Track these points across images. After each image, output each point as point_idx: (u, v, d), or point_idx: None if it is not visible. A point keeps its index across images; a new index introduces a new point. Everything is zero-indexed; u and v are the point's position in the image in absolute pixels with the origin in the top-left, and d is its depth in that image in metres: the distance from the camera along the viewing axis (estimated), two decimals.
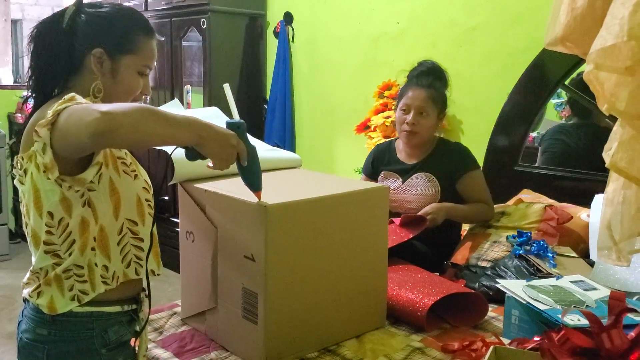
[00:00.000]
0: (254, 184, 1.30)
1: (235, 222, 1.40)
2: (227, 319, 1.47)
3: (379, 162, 2.35)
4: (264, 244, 1.31)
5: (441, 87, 2.24)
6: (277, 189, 1.47)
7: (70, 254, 1.20)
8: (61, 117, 1.07)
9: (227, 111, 1.78)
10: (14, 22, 6.88)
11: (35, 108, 1.27)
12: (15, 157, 1.25)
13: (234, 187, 1.43)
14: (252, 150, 1.24)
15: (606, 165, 1.36)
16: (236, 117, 1.30)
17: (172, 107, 1.71)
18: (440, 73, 2.27)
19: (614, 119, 1.38)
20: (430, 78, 2.22)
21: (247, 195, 1.34)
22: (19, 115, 4.86)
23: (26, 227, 1.25)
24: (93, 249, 1.22)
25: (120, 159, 1.27)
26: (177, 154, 1.49)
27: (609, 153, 1.36)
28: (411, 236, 1.95)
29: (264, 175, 1.32)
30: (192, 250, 1.57)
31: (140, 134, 1.04)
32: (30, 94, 1.31)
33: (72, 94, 1.12)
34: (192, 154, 1.17)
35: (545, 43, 1.52)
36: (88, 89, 1.25)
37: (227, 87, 1.38)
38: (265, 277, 1.33)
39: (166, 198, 4.15)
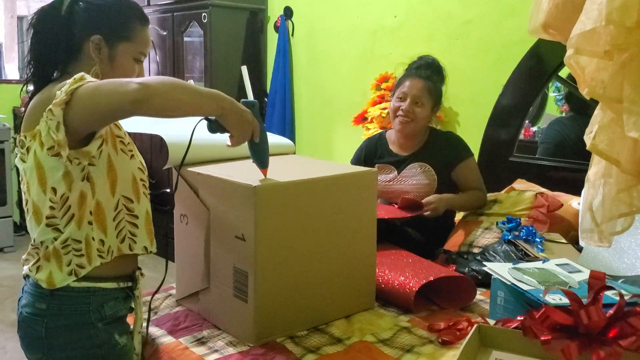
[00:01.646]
0: (264, 161, 1.40)
1: (227, 203, 1.44)
2: (219, 299, 1.51)
3: (371, 156, 2.36)
4: (254, 223, 1.35)
5: (438, 81, 2.27)
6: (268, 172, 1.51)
7: (68, 227, 1.26)
8: (80, 94, 1.15)
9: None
10: (20, 19, 6.94)
11: (35, 91, 1.33)
12: (17, 137, 1.30)
13: (226, 170, 1.48)
14: (263, 128, 1.35)
15: (587, 148, 1.39)
16: (250, 97, 1.39)
17: None
18: (439, 69, 2.31)
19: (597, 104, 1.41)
20: (428, 71, 2.26)
21: (239, 177, 1.39)
22: (24, 109, 4.91)
23: (26, 204, 1.30)
24: (90, 222, 1.27)
25: (119, 137, 1.34)
26: (171, 138, 1.54)
27: (590, 136, 1.39)
28: (407, 216, 2.00)
29: None
30: (186, 233, 1.61)
31: (172, 102, 1.15)
32: (27, 78, 1.36)
33: (82, 73, 1.19)
34: (214, 127, 1.28)
35: (529, 30, 1.55)
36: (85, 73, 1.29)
37: (244, 69, 1.49)
38: (255, 256, 1.37)
39: (167, 190, 4.20)
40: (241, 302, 1.43)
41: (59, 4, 1.34)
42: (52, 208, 1.25)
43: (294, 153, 1.90)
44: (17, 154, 1.29)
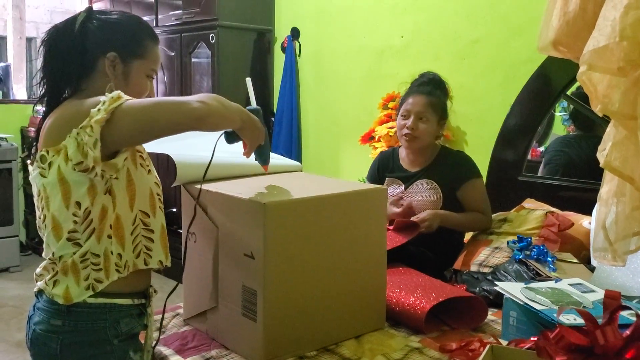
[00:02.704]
0: (266, 159, 1.53)
1: (236, 220, 1.43)
2: (228, 318, 1.49)
3: (383, 169, 2.38)
4: (263, 241, 1.34)
5: (441, 95, 2.28)
6: (276, 189, 1.50)
7: (88, 241, 1.26)
8: (125, 111, 1.19)
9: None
10: (29, 40, 7.02)
11: (49, 108, 1.35)
12: (32, 153, 1.33)
13: (235, 187, 1.47)
14: (266, 130, 1.43)
15: (600, 165, 1.38)
16: (254, 104, 1.52)
17: None
18: (441, 83, 2.32)
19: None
20: (430, 86, 2.27)
21: (248, 194, 1.38)
22: (32, 129, 4.94)
23: (44, 220, 1.30)
24: (109, 236, 1.28)
25: (139, 152, 1.36)
26: (179, 157, 1.54)
27: (603, 153, 1.38)
28: (405, 241, 1.98)
29: (264, 178, 1.47)
30: (194, 251, 1.60)
31: (222, 118, 1.25)
32: (41, 95, 1.37)
33: (118, 92, 1.23)
34: (232, 138, 1.38)
35: (538, 47, 1.55)
36: (100, 90, 1.31)
37: (249, 81, 1.58)
38: (264, 274, 1.36)
39: (174, 210, 4.19)
40: (250, 322, 1.41)
41: (72, 22, 1.35)
42: (75, 222, 1.26)
43: (301, 171, 1.89)
44: (34, 170, 1.29)
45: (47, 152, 1.25)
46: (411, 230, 2.03)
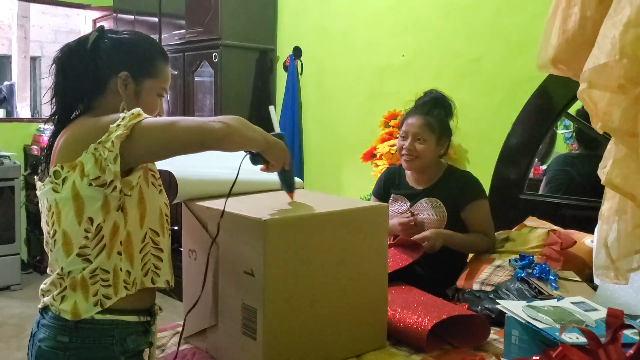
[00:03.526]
0: (291, 185, 1.55)
1: (236, 238, 1.43)
2: (227, 336, 1.48)
3: (389, 184, 2.37)
4: (263, 258, 1.33)
5: (441, 114, 2.25)
6: (277, 206, 1.50)
7: (98, 257, 1.27)
8: (146, 128, 1.22)
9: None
10: (33, 59, 7.08)
11: (60, 124, 1.37)
12: (43, 169, 1.35)
13: (235, 204, 1.47)
14: (292, 157, 1.45)
15: (602, 182, 1.37)
16: (277, 129, 1.53)
17: None
18: (443, 102, 2.29)
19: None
20: (429, 106, 2.25)
21: (248, 211, 1.38)
22: (35, 147, 4.96)
23: (53, 235, 1.30)
24: (119, 253, 1.29)
25: (151, 171, 1.37)
26: (180, 173, 1.54)
27: (604, 170, 1.37)
28: (409, 262, 1.97)
29: (266, 195, 1.47)
30: (194, 269, 1.59)
31: (244, 138, 1.27)
32: (52, 112, 1.39)
33: (138, 109, 1.25)
34: (257, 159, 1.39)
35: (538, 65, 1.55)
36: (111, 108, 1.33)
37: (271, 108, 1.61)
38: (264, 292, 1.35)
39: (176, 228, 4.18)
40: (250, 340, 1.40)
41: (84, 41, 1.38)
42: (86, 238, 1.26)
43: (303, 189, 1.89)
44: (45, 185, 1.30)
45: (62, 167, 1.25)
46: (414, 250, 2.01)
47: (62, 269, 1.29)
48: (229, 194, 1.46)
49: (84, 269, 1.27)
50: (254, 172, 1.59)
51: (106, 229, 1.27)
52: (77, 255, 1.27)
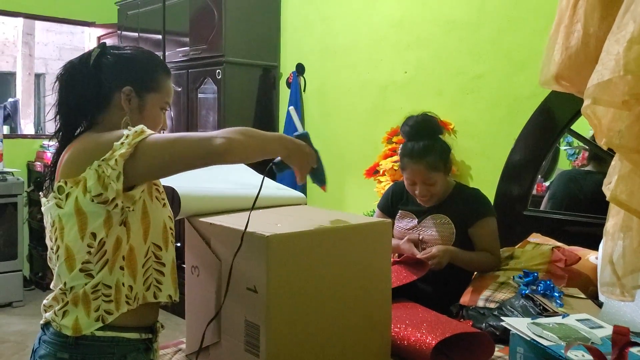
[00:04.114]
0: (322, 180, 1.54)
1: (239, 253, 1.42)
2: (230, 353, 1.47)
3: (397, 199, 2.35)
4: (266, 274, 1.33)
5: (434, 145, 2.17)
6: (280, 221, 1.49)
7: (101, 272, 1.27)
8: (149, 145, 1.21)
9: None
10: (37, 76, 7.13)
11: (65, 141, 1.37)
12: (48, 185, 1.36)
13: (238, 220, 1.46)
14: (317, 152, 1.46)
15: (607, 199, 1.37)
16: (300, 129, 1.52)
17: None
18: (427, 130, 2.19)
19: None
20: (420, 146, 2.15)
21: (251, 227, 1.38)
22: (38, 163, 4.98)
23: (57, 250, 1.30)
24: (122, 267, 1.29)
25: (155, 185, 1.37)
26: (182, 189, 1.54)
27: (609, 187, 1.37)
28: (413, 279, 1.95)
29: (269, 210, 1.46)
30: (197, 285, 1.58)
31: (250, 150, 1.27)
32: (57, 129, 1.40)
33: (142, 126, 1.25)
34: (281, 167, 1.40)
35: (540, 82, 1.56)
36: (115, 123, 1.34)
37: (292, 109, 1.62)
38: (267, 308, 1.34)
39: (178, 244, 4.17)
40: (253, 357, 1.38)
41: (87, 57, 1.39)
42: (89, 253, 1.26)
43: (306, 204, 1.89)
44: (49, 201, 1.30)
45: (66, 183, 1.26)
46: (420, 268, 2.00)
47: (64, 283, 1.28)
48: (253, 206, 1.44)
49: (86, 284, 1.26)
50: (261, 188, 1.58)
51: (109, 244, 1.26)
52: (79, 270, 1.26)
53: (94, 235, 1.26)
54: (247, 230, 1.38)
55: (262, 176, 1.46)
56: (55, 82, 1.39)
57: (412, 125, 2.21)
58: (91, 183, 1.22)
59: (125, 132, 1.23)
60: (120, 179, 1.20)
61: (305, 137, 1.43)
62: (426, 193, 2.18)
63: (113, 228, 1.26)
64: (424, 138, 2.17)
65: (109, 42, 4.97)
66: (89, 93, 1.36)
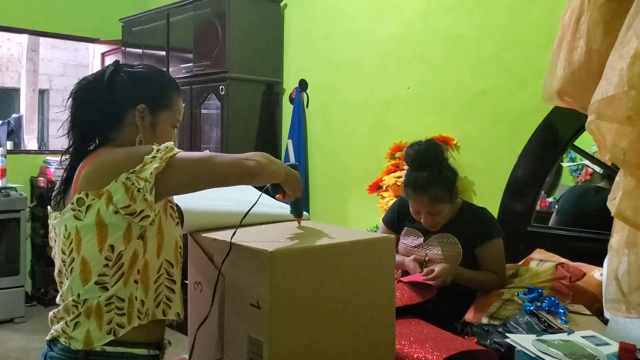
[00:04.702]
0: (300, 212, 1.64)
1: (242, 269, 1.42)
2: None
3: (403, 215, 2.33)
4: (269, 290, 1.32)
5: (439, 176, 2.12)
6: (283, 238, 1.49)
7: (115, 285, 1.28)
8: (181, 161, 1.28)
9: None
10: (42, 92, 7.17)
11: (78, 156, 1.39)
12: (59, 199, 1.37)
13: (241, 236, 1.46)
14: (303, 185, 1.54)
15: (612, 214, 1.37)
16: (292, 160, 1.61)
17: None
18: (431, 159, 2.14)
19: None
20: (424, 176, 2.11)
21: (254, 242, 1.37)
22: (42, 179, 4.98)
23: (70, 263, 1.30)
24: (136, 281, 1.30)
25: (170, 203, 1.40)
26: (185, 204, 1.54)
27: (614, 202, 1.37)
28: (419, 301, 1.94)
29: (271, 226, 1.51)
30: (200, 301, 1.57)
31: (272, 174, 1.38)
32: (70, 144, 1.42)
33: (171, 143, 1.31)
34: (277, 190, 1.50)
35: (543, 97, 1.56)
36: (129, 140, 1.37)
37: (289, 142, 1.70)
38: (270, 325, 1.33)
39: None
40: None
41: (101, 75, 1.41)
42: (106, 266, 1.27)
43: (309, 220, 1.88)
44: (65, 213, 1.30)
45: (87, 195, 1.27)
46: (426, 291, 1.99)
47: (78, 295, 1.28)
48: (239, 225, 1.50)
49: (100, 297, 1.27)
50: (260, 205, 1.59)
51: (126, 257, 1.28)
52: (95, 283, 1.28)
53: (112, 247, 1.27)
54: (250, 245, 1.38)
55: (260, 193, 1.51)
56: (68, 99, 1.41)
57: (415, 154, 2.16)
58: (118, 195, 1.24)
59: (155, 147, 1.27)
60: (153, 191, 1.24)
61: (296, 167, 1.51)
62: (431, 222, 2.18)
63: (132, 241, 1.28)
64: (427, 168, 2.12)
65: (111, 58, 5.01)
66: (103, 109, 1.39)
